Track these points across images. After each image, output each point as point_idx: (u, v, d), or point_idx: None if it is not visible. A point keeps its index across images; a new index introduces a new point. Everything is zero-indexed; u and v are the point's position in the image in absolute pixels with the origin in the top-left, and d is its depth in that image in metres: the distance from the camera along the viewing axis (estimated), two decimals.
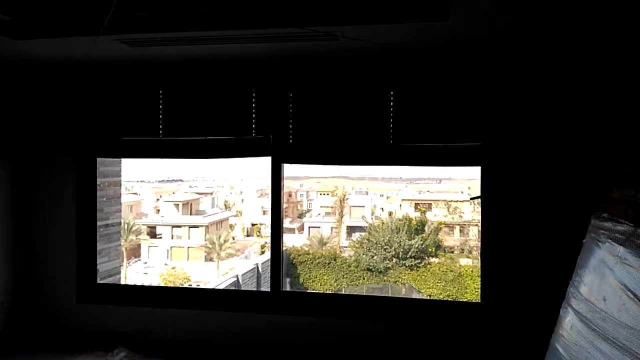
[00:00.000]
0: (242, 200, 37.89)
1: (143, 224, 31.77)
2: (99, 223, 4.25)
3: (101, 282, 4.28)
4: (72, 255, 4.17)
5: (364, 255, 19.20)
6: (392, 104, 3.66)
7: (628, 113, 3.28)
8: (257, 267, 14.71)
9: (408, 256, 18.81)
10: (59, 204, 4.18)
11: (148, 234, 32.00)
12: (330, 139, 3.78)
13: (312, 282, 17.85)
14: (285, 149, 3.87)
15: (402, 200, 29.57)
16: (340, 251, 21.67)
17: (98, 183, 4.22)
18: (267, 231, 32.12)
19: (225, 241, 29.74)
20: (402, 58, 3.55)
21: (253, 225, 35.22)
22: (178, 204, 33.66)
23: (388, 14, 2.71)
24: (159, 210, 34.43)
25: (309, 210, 33.86)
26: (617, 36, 3.01)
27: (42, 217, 4.21)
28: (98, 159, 4.22)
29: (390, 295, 16.63)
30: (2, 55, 3.66)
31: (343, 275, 18.05)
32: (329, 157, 3.85)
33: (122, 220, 4.96)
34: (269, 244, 4.05)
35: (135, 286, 4.68)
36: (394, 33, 3.01)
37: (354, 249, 20.68)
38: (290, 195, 33.28)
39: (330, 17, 2.76)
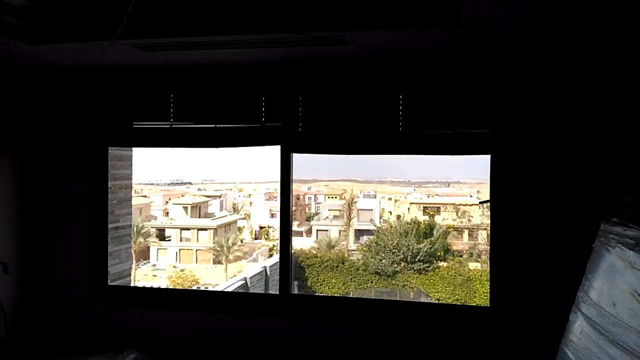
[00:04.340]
0: (251, 203, 37.99)
1: (152, 227, 31.94)
2: (109, 225, 4.29)
3: (112, 284, 4.32)
4: (84, 258, 4.22)
5: (372, 259, 19.16)
6: (401, 102, 3.69)
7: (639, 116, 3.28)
8: (266, 270, 14.71)
9: (416, 260, 18.75)
10: (71, 206, 4.23)
11: (157, 237, 32.17)
12: (339, 129, 3.81)
13: (320, 285, 17.84)
14: (294, 138, 3.89)
15: (411, 203, 29.46)
16: (349, 254, 21.64)
17: (109, 186, 4.27)
18: (275, 234, 32.18)
19: (233, 244, 29.82)
20: (411, 60, 3.57)
21: (261, 228, 35.29)
22: (187, 207, 33.82)
23: (397, 19, 2.73)
24: (167, 213, 34.60)
25: (317, 214, 33.85)
26: (627, 40, 3.01)
27: (53, 220, 4.26)
28: (109, 163, 4.27)
29: (398, 299, 16.59)
30: (17, 60, 3.72)
31: (351, 279, 18.02)
32: (339, 146, 3.86)
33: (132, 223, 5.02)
34: (277, 247, 4.07)
35: (145, 288, 4.71)
36: (404, 37, 3.02)
37: (362, 252, 20.65)
38: (298, 198, 33.31)
39: (340, 22, 2.78)
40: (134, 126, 4.17)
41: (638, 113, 3.27)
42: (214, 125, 3.99)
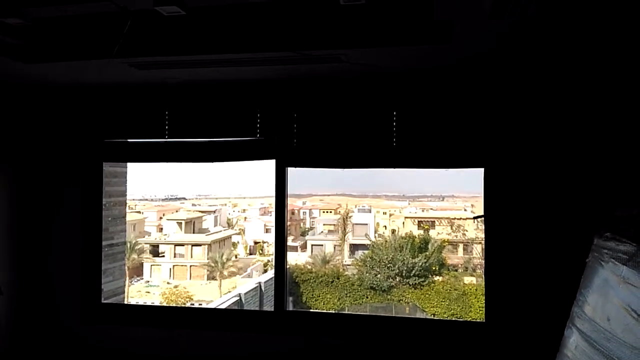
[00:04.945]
0: (245, 218, 37.85)
1: (146, 243, 31.72)
2: (104, 243, 4.27)
3: (105, 301, 4.28)
4: (78, 275, 4.18)
5: (367, 274, 19.09)
6: (395, 118, 3.73)
7: (633, 133, 3.32)
8: (260, 286, 14.60)
9: (412, 274, 18.70)
10: (65, 224, 4.21)
11: (150, 253, 31.94)
12: (334, 143, 3.84)
13: (315, 301, 17.72)
14: (289, 152, 3.90)
15: (405, 217, 29.44)
16: (344, 269, 21.53)
17: (103, 203, 4.26)
18: (269, 249, 32.01)
19: (227, 259, 29.63)
20: (404, 77, 3.61)
21: (256, 243, 35.10)
22: (181, 222, 33.63)
23: (390, 37, 2.77)
24: (161, 229, 34.39)
25: (311, 228, 33.76)
26: (619, 57, 3.06)
27: (47, 237, 4.24)
28: (104, 180, 4.26)
29: (394, 315, 16.49)
30: (14, 78, 3.73)
31: (346, 294, 17.92)
32: (334, 160, 3.88)
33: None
34: (272, 262, 4.07)
35: (139, 306, 4.67)
36: (397, 55, 3.07)
37: (357, 267, 20.57)
38: (293, 213, 33.19)
39: (334, 41, 2.82)
40: (129, 141, 4.18)
41: (631, 128, 3.32)
42: (208, 140, 4.01)
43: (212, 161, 4.06)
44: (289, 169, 3.97)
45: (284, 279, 3.97)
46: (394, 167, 3.83)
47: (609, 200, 3.24)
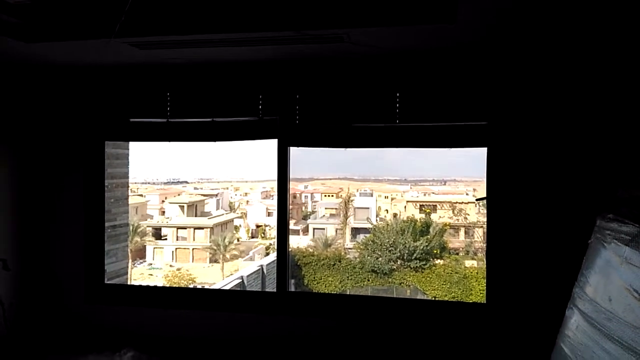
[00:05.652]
0: (247, 201, 38.00)
1: (148, 226, 31.91)
2: (106, 224, 4.28)
3: (109, 282, 4.31)
4: (81, 256, 4.21)
5: (369, 257, 19.21)
6: (398, 99, 3.70)
7: (635, 113, 3.30)
8: (262, 269, 14.70)
9: (413, 258, 18.80)
10: (68, 205, 4.22)
11: (153, 236, 32.15)
12: (337, 122, 3.81)
13: (317, 283, 17.86)
14: (291, 131, 3.88)
15: (407, 201, 29.52)
16: (345, 253, 21.66)
17: (106, 184, 4.26)
18: (271, 232, 32.20)
19: (230, 242, 29.82)
20: (408, 57, 3.58)
21: (258, 226, 35.29)
22: (183, 206, 33.78)
23: (395, 17, 2.74)
24: (164, 212, 34.56)
25: (313, 212, 33.89)
26: (624, 37, 3.02)
27: (50, 218, 4.25)
28: (106, 162, 4.25)
29: (395, 297, 16.62)
30: (14, 58, 3.71)
31: (348, 277, 18.06)
32: (336, 139, 3.85)
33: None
34: (274, 246, 4.08)
35: (142, 286, 4.71)
36: (400, 35, 3.03)
37: (359, 250, 20.70)
38: (295, 197, 33.29)
39: (337, 20, 2.79)
40: (131, 120, 4.15)
41: (634, 109, 3.29)
42: (211, 119, 3.99)
43: (215, 140, 4.05)
44: (292, 149, 3.95)
45: (286, 259, 3.98)
46: (397, 147, 3.80)
47: (611, 181, 3.23)
